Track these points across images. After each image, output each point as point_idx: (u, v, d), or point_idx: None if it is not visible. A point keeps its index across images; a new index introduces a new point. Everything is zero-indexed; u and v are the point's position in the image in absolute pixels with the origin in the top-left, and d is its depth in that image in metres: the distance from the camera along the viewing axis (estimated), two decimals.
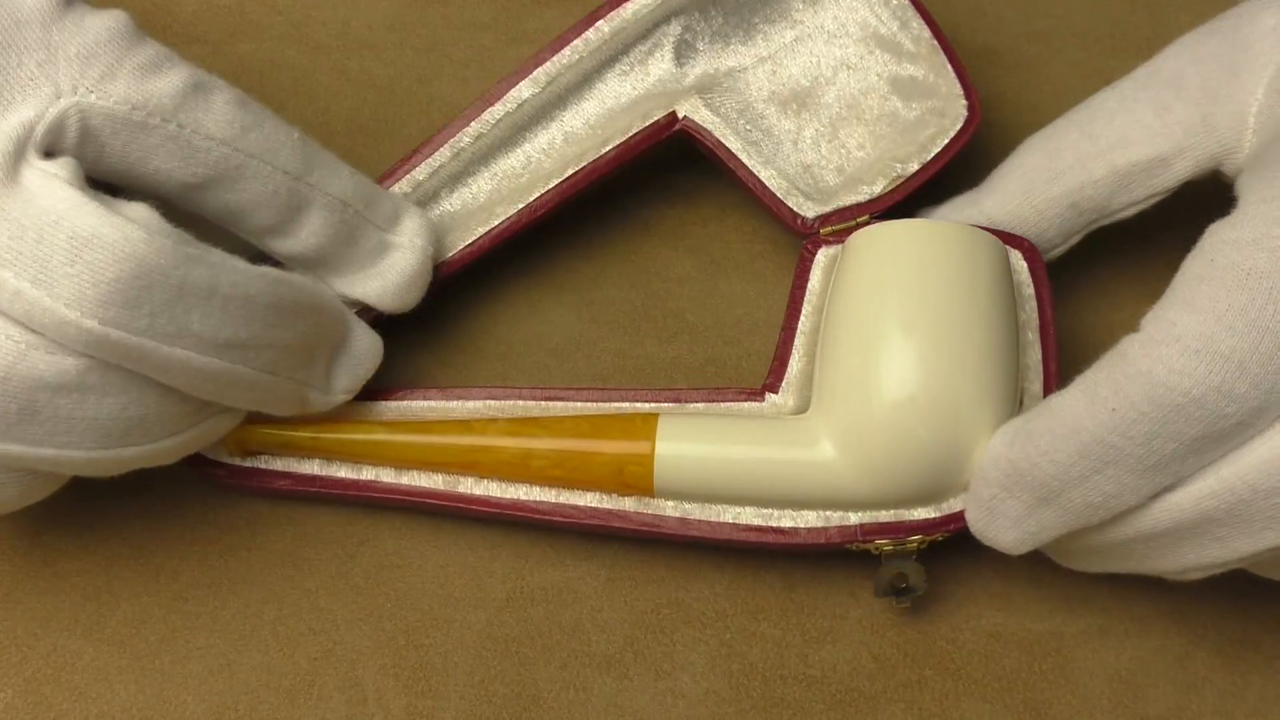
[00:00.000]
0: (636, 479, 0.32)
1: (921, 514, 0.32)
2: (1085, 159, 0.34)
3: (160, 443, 0.30)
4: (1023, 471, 0.28)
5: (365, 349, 0.34)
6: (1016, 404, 0.32)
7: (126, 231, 0.26)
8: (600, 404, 0.34)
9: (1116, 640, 0.34)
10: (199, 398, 0.30)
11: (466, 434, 0.33)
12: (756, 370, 0.37)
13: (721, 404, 0.34)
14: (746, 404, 0.34)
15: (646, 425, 0.33)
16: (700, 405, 0.34)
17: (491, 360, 0.37)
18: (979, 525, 0.30)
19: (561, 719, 0.33)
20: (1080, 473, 0.27)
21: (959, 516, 0.31)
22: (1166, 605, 0.34)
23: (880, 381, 0.31)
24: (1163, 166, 0.33)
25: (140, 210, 0.28)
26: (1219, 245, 0.27)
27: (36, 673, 0.34)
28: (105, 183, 0.30)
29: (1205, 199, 0.31)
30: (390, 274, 0.34)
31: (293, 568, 0.35)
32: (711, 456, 0.32)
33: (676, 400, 0.34)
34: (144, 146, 0.29)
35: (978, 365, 0.31)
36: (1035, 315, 0.34)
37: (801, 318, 0.35)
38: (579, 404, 0.34)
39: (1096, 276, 0.38)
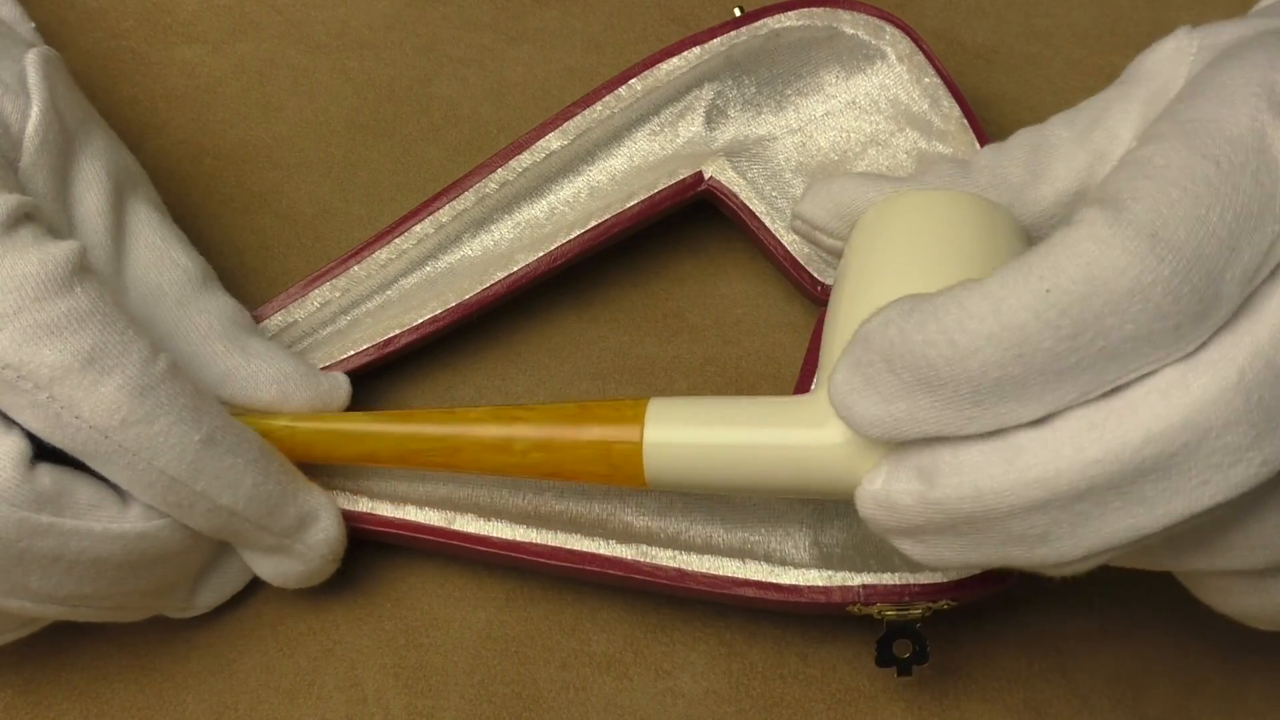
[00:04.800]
0: (625, 461, 0.30)
1: (927, 577, 0.31)
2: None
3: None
4: (913, 346, 0.24)
5: (238, 567, 0.33)
6: None
7: None
8: None
9: (1116, 640, 0.34)
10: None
11: (449, 421, 0.32)
12: (756, 370, 0.37)
13: None
14: None
15: (635, 409, 0.30)
16: None
17: (491, 359, 0.37)
18: (844, 390, 0.26)
19: (561, 719, 0.33)
20: (980, 362, 0.24)
21: (966, 583, 0.31)
22: (1166, 605, 0.34)
23: None
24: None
25: (3, 467, 0.27)
26: (1151, 154, 0.24)
27: (36, 672, 0.34)
28: None
29: None
30: (277, 568, 0.33)
31: None
32: (706, 440, 0.29)
33: None
34: (9, 402, 0.27)
35: None
36: None
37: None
38: None
39: None
